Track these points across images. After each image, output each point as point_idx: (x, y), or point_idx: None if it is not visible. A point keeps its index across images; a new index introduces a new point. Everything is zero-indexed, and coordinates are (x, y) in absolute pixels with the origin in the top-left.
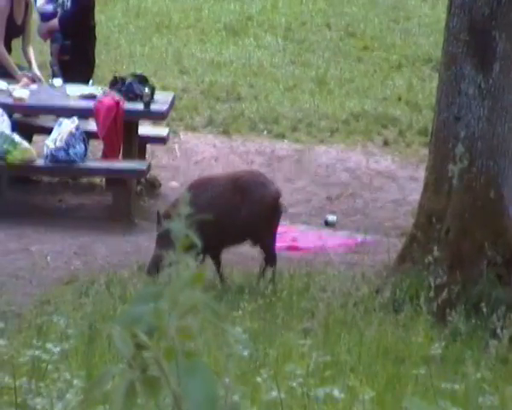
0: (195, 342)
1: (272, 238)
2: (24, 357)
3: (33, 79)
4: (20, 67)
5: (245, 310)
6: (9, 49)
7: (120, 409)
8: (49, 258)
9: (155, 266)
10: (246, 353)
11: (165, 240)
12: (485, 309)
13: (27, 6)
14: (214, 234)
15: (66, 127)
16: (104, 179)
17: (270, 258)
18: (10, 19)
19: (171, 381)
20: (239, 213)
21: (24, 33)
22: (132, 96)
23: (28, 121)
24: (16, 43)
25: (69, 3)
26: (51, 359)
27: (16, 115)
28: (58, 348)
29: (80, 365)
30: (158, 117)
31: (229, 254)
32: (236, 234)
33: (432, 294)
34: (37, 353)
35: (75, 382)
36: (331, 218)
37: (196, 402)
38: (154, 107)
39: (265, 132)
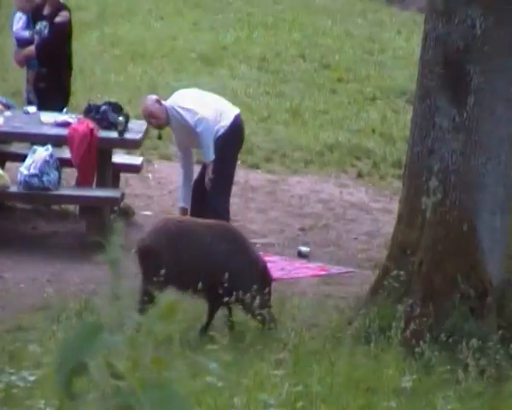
0: (169, 371)
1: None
2: None
3: (7, 106)
4: None
5: (218, 342)
6: None
7: None
8: (21, 285)
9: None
10: (219, 383)
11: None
12: (456, 342)
13: None
14: None
15: (39, 154)
16: (78, 207)
17: None
18: None
19: None
20: None
21: None
22: (106, 124)
23: (1, 148)
24: None
25: (46, 31)
26: (25, 386)
27: None
28: (31, 376)
29: (54, 392)
30: (132, 146)
31: None
32: None
33: (404, 326)
34: (10, 379)
35: None
36: (304, 249)
37: None
38: (128, 135)
39: (239, 162)
